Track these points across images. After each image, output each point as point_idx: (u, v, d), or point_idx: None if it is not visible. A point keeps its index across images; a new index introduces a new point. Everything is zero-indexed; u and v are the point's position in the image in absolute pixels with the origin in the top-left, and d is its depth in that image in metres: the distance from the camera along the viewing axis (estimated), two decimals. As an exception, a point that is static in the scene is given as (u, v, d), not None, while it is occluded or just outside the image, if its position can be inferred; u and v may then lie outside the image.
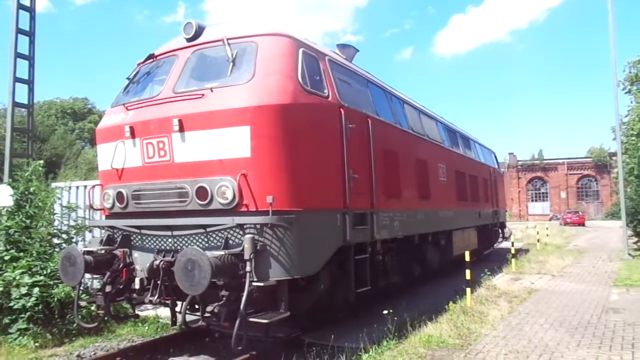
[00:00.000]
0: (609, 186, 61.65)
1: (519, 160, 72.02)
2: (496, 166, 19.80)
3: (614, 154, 26.74)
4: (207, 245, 5.62)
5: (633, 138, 20.53)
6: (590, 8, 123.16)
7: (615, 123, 18.23)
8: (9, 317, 7.30)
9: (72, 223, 9.07)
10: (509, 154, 72.36)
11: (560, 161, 70.28)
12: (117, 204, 6.38)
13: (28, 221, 8.27)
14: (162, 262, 5.68)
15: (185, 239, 5.82)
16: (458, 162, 13.04)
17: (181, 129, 5.74)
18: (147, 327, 7.86)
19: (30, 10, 12.67)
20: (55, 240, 8.57)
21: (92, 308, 7.18)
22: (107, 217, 6.77)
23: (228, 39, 6.04)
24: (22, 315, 7.22)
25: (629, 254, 16.41)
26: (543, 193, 71.51)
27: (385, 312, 6.76)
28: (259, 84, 5.71)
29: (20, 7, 12.43)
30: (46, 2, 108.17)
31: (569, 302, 9.00)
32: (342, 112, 6.67)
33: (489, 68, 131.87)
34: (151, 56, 6.93)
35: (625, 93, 22.41)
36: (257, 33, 6.23)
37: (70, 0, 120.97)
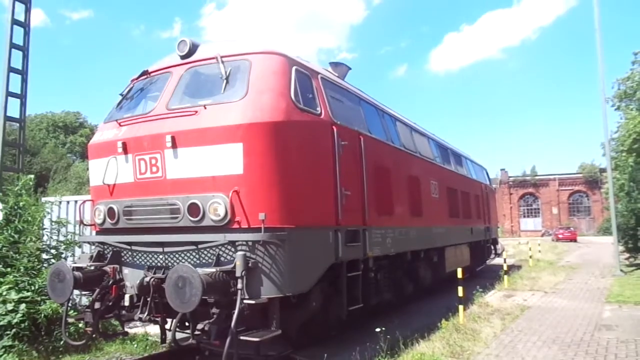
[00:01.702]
0: (600, 202, 61.95)
1: (510, 176, 72.41)
2: (488, 182, 19.90)
3: (605, 170, 26.94)
4: (198, 262, 5.58)
5: (623, 154, 20.69)
6: (580, 27, 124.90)
7: (605, 139, 18.40)
8: (-5, 334, 7.17)
9: (61, 238, 8.98)
10: (501, 170, 72.90)
11: (551, 177, 70.73)
12: (108, 219, 6.34)
13: (16, 236, 8.18)
14: (152, 279, 5.62)
15: (177, 256, 5.77)
16: (450, 178, 13.10)
17: (174, 146, 5.73)
18: (135, 345, 7.74)
19: (25, 25, 12.69)
20: (44, 256, 8.48)
21: (80, 325, 7.08)
22: (98, 232, 6.71)
23: (222, 57, 6.08)
24: (8, 332, 7.08)
25: (621, 270, 16.47)
26: (535, 209, 71.84)
27: (377, 329, 6.72)
28: (252, 102, 5.73)
29: (15, 22, 12.44)
30: (43, 16, 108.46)
31: (561, 319, 8.99)
32: (335, 129, 6.70)
33: (481, 84, 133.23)
34: (145, 73, 6.95)
35: (615, 110, 22.68)
36: (250, 51, 6.28)
37: (67, 14, 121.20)
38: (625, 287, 12.82)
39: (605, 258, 23.40)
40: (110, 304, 6.12)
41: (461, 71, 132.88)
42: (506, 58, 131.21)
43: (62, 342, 7.19)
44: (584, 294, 12.12)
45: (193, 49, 6.55)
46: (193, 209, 5.59)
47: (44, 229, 8.94)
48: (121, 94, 7.09)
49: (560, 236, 48.65)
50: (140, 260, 6.08)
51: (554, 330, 8.08)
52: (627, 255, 19.54)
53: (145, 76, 6.94)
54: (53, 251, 8.56)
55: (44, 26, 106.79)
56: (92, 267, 6.23)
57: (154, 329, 7.84)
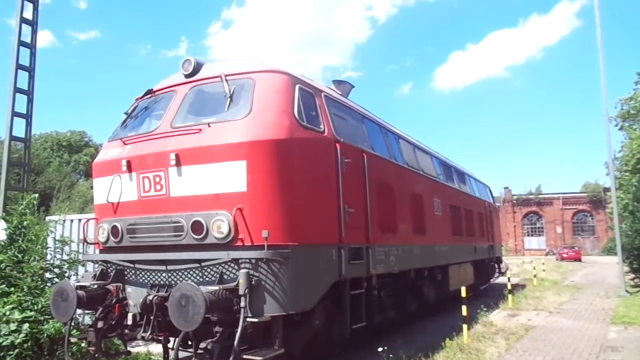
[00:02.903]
0: (604, 221, 61.67)
1: (514, 195, 72.21)
2: (491, 200, 19.87)
3: (609, 189, 26.90)
4: (201, 280, 5.58)
5: (627, 174, 20.69)
6: (584, 47, 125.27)
7: (608, 159, 18.41)
8: (-3, 354, 7.14)
9: (65, 257, 8.97)
10: (504, 188, 72.64)
11: (555, 196, 70.49)
12: (111, 238, 6.35)
13: (20, 255, 8.18)
14: (155, 297, 5.60)
15: (180, 274, 5.77)
16: (453, 196, 13.09)
17: (178, 164, 5.77)
18: (138, 364, 7.69)
19: (31, 47, 12.89)
20: (48, 275, 8.46)
21: (83, 344, 7.03)
22: (101, 251, 6.73)
23: (226, 76, 6.16)
24: (11, 352, 7.03)
25: (626, 291, 16.31)
26: (539, 228, 71.43)
27: (380, 349, 6.66)
28: (256, 120, 5.79)
29: (22, 43, 12.64)
30: (51, 37, 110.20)
31: (566, 339, 8.90)
32: (338, 147, 6.74)
33: (486, 103, 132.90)
34: (149, 92, 7.03)
35: (619, 129, 22.76)
36: (254, 70, 6.36)
37: (74, 35, 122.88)
38: (631, 308, 12.68)
39: (610, 278, 23.21)
40: (113, 322, 6.10)
41: (466, 89, 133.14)
42: (511, 77, 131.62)
43: (64, 362, 7.15)
44: (588, 315, 12.01)
45: (197, 67, 6.65)
46: (196, 227, 5.60)
47: (48, 247, 8.94)
48: (126, 113, 7.17)
49: (565, 255, 48.23)
50: (143, 278, 6.08)
51: (559, 351, 8.00)
52: (632, 275, 19.37)
53: (150, 95, 7.02)
54: (57, 270, 8.52)
55: (51, 46, 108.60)
56: (96, 286, 6.21)
57: (156, 348, 7.78)
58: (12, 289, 7.70)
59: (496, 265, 19.60)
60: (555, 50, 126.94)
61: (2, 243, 8.37)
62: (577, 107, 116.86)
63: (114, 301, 6.07)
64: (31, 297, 7.56)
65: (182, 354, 5.58)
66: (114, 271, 6.30)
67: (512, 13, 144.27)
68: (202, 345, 5.28)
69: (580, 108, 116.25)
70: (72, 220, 10.12)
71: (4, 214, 10.27)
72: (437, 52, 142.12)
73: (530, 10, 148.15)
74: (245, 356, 5.12)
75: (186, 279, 5.67)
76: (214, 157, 5.64)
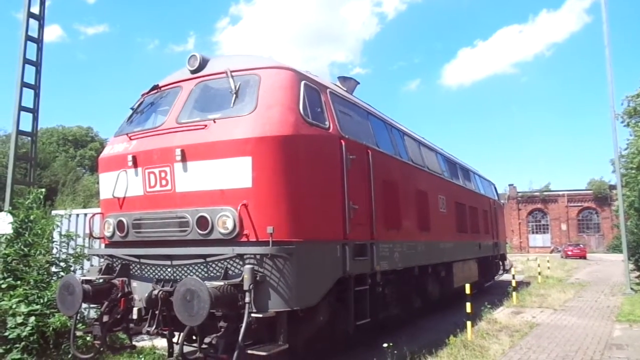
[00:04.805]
0: (610, 219, 61.41)
1: (519, 192, 71.94)
2: (496, 197, 19.81)
3: (614, 187, 26.74)
4: (206, 275, 5.60)
5: (633, 171, 20.53)
6: (593, 43, 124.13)
7: (614, 156, 18.31)
8: (4, 347, 7.19)
9: (70, 251, 9.02)
10: (509, 185, 72.38)
11: (560, 193, 70.18)
12: (117, 232, 6.38)
13: (26, 249, 8.24)
14: (160, 292, 5.63)
15: (185, 269, 5.80)
16: (458, 193, 13.07)
17: (183, 159, 5.79)
18: (143, 358, 7.73)
19: (38, 41, 12.94)
20: (54, 269, 8.52)
21: (88, 338, 7.09)
22: (107, 245, 6.76)
23: (231, 72, 6.16)
24: (17, 345, 7.11)
25: (631, 289, 16.26)
26: (543, 225, 71.18)
27: (385, 345, 6.68)
28: (261, 116, 5.79)
29: (29, 38, 12.69)
30: (60, 31, 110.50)
31: (571, 337, 8.89)
32: (343, 143, 6.74)
33: (493, 99, 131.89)
34: (155, 87, 7.05)
35: (625, 126, 22.58)
36: (259, 66, 6.36)
37: (82, 30, 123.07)
38: (636, 306, 12.65)
39: (615, 276, 23.15)
40: (119, 317, 6.14)
41: (473, 86, 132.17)
42: (519, 73, 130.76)
43: (70, 355, 7.20)
44: (593, 312, 11.98)
45: (203, 63, 6.66)
46: (202, 222, 5.62)
47: (54, 242, 9.00)
48: (132, 108, 7.20)
49: (570, 253, 48.09)
50: (148, 273, 6.11)
51: (563, 348, 7.99)
52: (637, 273, 19.31)
53: (156, 90, 7.04)
54: (62, 264, 8.59)
55: (61, 41, 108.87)
56: (101, 280, 6.26)
57: (161, 343, 7.84)
58: (19, 282, 7.78)
59: (500, 263, 19.56)
60: (564, 47, 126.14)
61: (9, 237, 8.44)
62: (584, 104, 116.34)
63: (119, 295, 6.11)
64: (37, 291, 7.63)
65: (186, 349, 5.60)
66: (119, 266, 6.34)
67: (522, 9, 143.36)
68: (207, 340, 5.31)
69: (587, 105, 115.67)
70: (77, 215, 10.17)
71: (10, 207, 10.33)
72: (446, 48, 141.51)
73: (540, 6, 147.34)
74: (249, 351, 5.15)
75: (191, 274, 5.70)
76: (220, 153, 5.65)
